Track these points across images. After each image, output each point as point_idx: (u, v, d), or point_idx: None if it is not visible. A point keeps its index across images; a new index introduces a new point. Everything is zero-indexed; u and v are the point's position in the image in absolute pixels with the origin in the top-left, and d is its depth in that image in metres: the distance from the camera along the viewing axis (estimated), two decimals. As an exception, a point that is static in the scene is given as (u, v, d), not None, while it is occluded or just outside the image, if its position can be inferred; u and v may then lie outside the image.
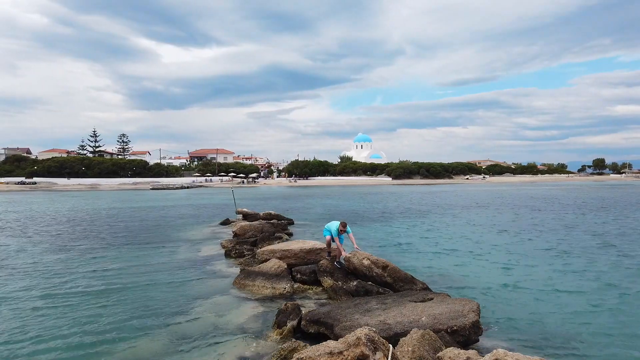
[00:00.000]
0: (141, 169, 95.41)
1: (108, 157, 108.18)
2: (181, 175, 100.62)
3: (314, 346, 4.02)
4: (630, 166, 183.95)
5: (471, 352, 3.84)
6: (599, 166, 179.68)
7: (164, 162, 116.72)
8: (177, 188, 72.09)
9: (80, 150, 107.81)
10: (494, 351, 3.26)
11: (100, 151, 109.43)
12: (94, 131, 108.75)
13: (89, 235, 17.33)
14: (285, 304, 6.84)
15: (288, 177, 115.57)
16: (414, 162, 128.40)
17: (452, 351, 3.88)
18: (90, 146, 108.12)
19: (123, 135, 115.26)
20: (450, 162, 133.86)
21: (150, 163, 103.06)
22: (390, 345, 3.95)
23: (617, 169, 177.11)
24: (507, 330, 6.57)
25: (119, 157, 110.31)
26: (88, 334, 6.55)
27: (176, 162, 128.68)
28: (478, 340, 5.77)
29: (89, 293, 8.79)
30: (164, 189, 70.60)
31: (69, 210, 30.41)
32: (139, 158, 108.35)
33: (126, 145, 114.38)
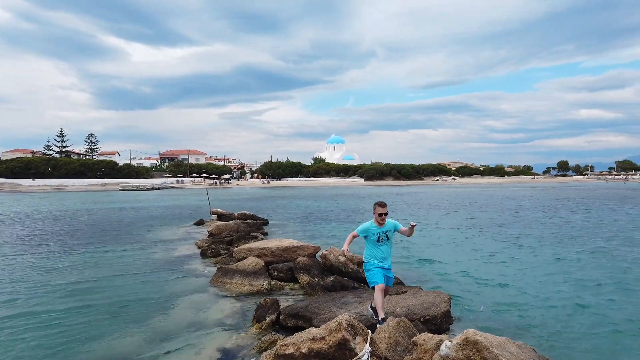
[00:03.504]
0: (110, 169, 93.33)
1: (75, 157, 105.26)
2: (152, 176, 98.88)
3: (297, 333, 4.22)
4: (592, 168, 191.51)
5: (443, 336, 4.12)
6: (563, 168, 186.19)
7: (134, 162, 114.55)
8: (147, 189, 70.91)
9: (46, 151, 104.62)
10: (465, 331, 3.54)
11: (67, 151, 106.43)
12: (61, 131, 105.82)
13: (57, 236, 17.00)
14: (264, 299, 7.00)
15: (261, 178, 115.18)
16: (386, 164, 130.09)
17: (425, 335, 4.15)
18: (57, 146, 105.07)
19: (91, 135, 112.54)
20: (421, 163, 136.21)
21: (120, 164, 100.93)
22: (369, 331, 4.19)
23: (579, 170, 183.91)
24: (476, 319, 6.93)
25: (87, 157, 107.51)
26: (62, 334, 6.48)
27: (146, 163, 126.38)
28: (449, 329, 6.09)
29: (61, 294, 8.67)
30: (134, 190, 69.35)
31: (34, 211, 29.59)
32: (107, 159, 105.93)
33: (94, 145, 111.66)
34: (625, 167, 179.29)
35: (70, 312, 7.55)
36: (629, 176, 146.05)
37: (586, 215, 24.37)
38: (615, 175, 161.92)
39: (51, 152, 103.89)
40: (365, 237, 6.05)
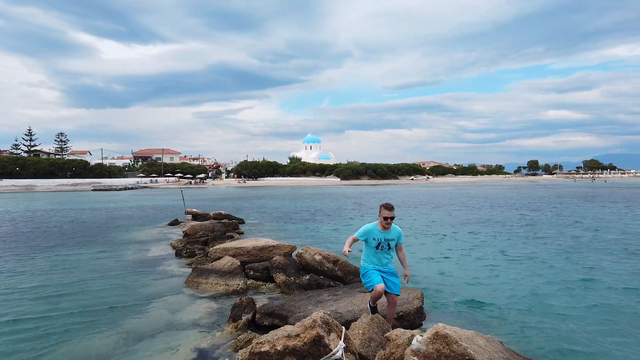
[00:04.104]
0: (81, 169, 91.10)
1: (45, 157, 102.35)
2: (125, 176, 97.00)
3: (272, 331, 4.27)
4: (561, 167, 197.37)
5: (415, 331, 4.24)
6: (533, 167, 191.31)
7: (106, 162, 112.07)
8: (120, 189, 69.53)
9: (13, 150, 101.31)
10: (435, 325, 3.66)
11: (35, 151, 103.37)
12: (29, 129, 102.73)
13: (25, 239, 16.56)
14: (240, 298, 7.01)
15: (237, 177, 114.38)
16: (362, 163, 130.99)
17: (397, 330, 4.27)
18: (25, 145, 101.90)
19: (61, 134, 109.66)
20: (396, 163, 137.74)
21: (91, 163, 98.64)
22: (343, 327, 4.28)
23: (549, 170, 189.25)
24: (448, 315, 7.12)
25: (57, 157, 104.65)
26: (31, 339, 6.30)
27: (119, 163, 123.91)
28: (422, 324, 6.24)
29: (29, 299, 8.44)
30: (107, 190, 67.90)
31: (1, 212, 28.68)
32: (78, 158, 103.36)
33: (64, 144, 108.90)
34: (592, 166, 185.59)
35: (40, 316, 7.36)
36: (596, 175, 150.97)
37: (555, 214, 25.14)
38: (583, 174, 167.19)
39: (19, 151, 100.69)
40: (365, 240, 5.48)
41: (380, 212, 5.40)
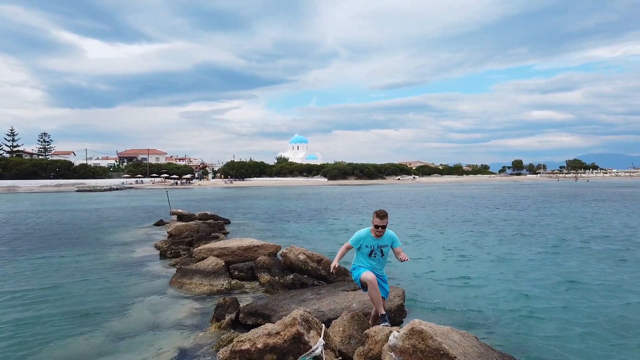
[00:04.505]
0: (65, 170, 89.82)
1: (27, 157, 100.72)
2: (109, 177, 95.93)
3: (253, 330, 4.33)
4: (544, 167, 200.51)
5: (393, 328, 4.34)
6: (517, 167, 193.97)
7: (91, 162, 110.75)
8: (105, 190, 68.76)
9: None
10: (411, 321, 3.76)
11: (18, 151, 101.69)
12: (12, 129, 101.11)
13: (7, 241, 16.33)
14: (223, 298, 7.04)
15: (224, 178, 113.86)
16: (349, 163, 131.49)
17: (376, 327, 4.36)
18: (7, 145, 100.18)
19: (44, 134, 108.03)
20: (382, 163, 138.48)
21: (75, 164, 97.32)
22: (323, 325, 4.36)
23: (533, 169, 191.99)
24: (428, 312, 7.25)
25: (40, 157, 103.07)
26: (13, 342, 6.25)
27: (104, 163, 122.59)
28: (402, 322, 6.35)
29: (11, 302, 8.34)
30: (91, 190, 67.09)
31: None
32: (62, 158, 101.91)
33: (48, 144, 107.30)
34: (575, 166, 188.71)
35: (22, 319, 7.30)
36: (579, 175, 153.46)
37: (538, 213, 25.54)
38: (566, 174, 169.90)
39: (1, 152, 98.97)
40: (358, 248, 5.39)
41: (373, 219, 5.25)
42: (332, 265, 5.30)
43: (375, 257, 5.31)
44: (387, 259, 5.54)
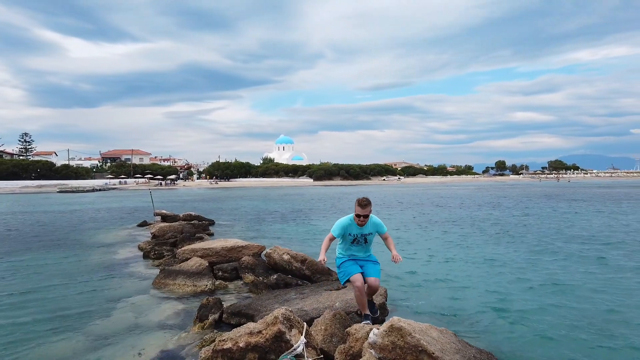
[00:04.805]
0: (47, 170, 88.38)
1: (8, 157, 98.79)
2: (92, 177, 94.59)
3: (235, 329, 4.36)
4: (527, 168, 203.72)
5: (374, 326, 4.41)
6: (501, 168, 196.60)
7: (73, 163, 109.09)
8: (88, 191, 67.81)
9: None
10: (390, 319, 3.83)
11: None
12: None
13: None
14: (207, 299, 7.04)
15: (209, 178, 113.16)
16: (335, 164, 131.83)
17: (357, 325, 4.42)
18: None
19: (25, 134, 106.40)
20: (368, 164, 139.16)
21: (57, 164, 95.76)
22: (305, 323, 4.41)
23: (516, 170, 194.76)
24: (410, 312, 7.33)
25: (21, 157, 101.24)
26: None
27: (87, 164, 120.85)
28: (384, 320, 6.41)
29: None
30: (74, 191, 66.11)
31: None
32: (44, 159, 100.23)
33: (29, 145, 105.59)
34: (557, 166, 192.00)
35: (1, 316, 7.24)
36: (560, 175, 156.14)
37: (521, 213, 25.94)
38: (548, 174, 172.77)
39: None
40: (342, 237, 5.17)
41: (355, 207, 5.07)
42: (319, 260, 5.02)
43: (358, 244, 5.19)
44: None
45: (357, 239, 5.13)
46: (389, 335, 3.70)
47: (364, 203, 5.00)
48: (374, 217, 5.24)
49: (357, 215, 5.02)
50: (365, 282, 5.13)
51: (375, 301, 6.39)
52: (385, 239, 5.31)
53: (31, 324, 7.08)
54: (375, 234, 5.25)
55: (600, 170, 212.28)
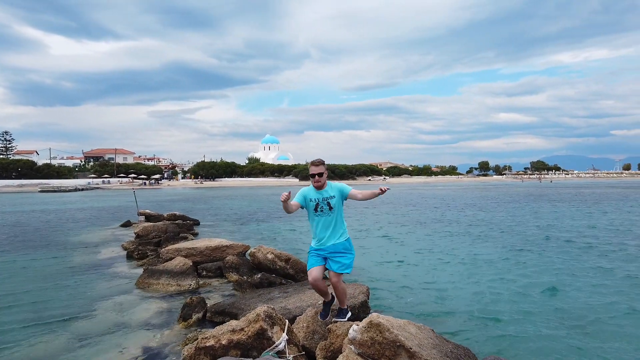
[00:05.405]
0: (28, 169, 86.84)
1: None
2: (75, 177, 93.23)
3: (218, 327, 4.42)
4: (510, 168, 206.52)
5: (354, 322, 4.50)
6: (484, 168, 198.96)
7: (55, 162, 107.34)
8: (70, 190, 66.86)
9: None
10: (369, 315, 3.94)
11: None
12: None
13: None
14: (191, 298, 7.08)
15: (194, 178, 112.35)
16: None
17: (339, 322, 4.52)
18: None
19: (6, 132, 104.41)
20: (354, 164, 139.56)
21: (39, 163, 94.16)
22: (287, 320, 4.48)
23: (499, 170, 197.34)
24: (392, 310, 7.46)
25: (1, 156, 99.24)
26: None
27: (69, 163, 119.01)
28: (366, 318, 6.54)
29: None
30: (55, 191, 65.10)
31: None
32: (25, 158, 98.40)
33: (9, 143, 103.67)
34: (539, 167, 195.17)
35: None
36: (542, 176, 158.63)
37: (505, 214, 26.36)
38: (530, 175, 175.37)
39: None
40: (306, 207, 4.79)
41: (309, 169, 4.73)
42: (282, 196, 4.49)
43: (322, 211, 4.72)
44: (342, 215, 4.90)
45: (319, 204, 4.71)
46: (368, 331, 3.80)
47: (317, 162, 4.70)
48: (335, 182, 4.93)
49: (312, 175, 4.69)
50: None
51: (356, 299, 6.50)
52: (355, 195, 4.76)
53: (13, 324, 7.03)
54: (340, 199, 4.80)
55: (581, 170, 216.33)
